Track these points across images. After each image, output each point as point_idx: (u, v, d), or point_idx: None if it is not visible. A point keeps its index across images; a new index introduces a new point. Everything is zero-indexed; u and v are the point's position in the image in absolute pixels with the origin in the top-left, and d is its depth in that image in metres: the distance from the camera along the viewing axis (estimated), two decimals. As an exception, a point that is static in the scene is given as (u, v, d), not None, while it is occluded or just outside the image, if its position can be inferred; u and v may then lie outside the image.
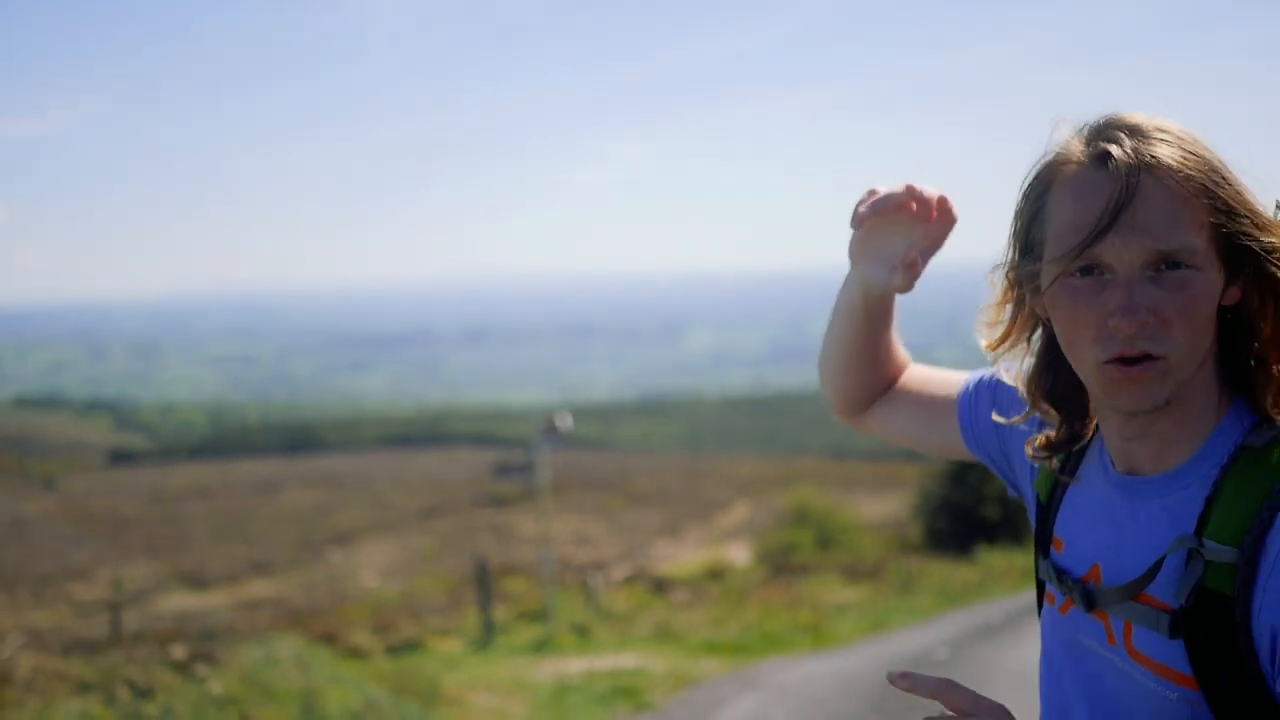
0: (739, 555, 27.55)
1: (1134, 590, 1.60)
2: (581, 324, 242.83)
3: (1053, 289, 1.57)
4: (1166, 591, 1.56)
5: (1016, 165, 1.62)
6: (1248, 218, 1.52)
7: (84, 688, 15.24)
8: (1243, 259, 1.54)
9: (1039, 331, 1.73)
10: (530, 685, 14.94)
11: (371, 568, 29.83)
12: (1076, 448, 1.78)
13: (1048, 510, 1.82)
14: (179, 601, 26.98)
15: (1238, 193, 1.53)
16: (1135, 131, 1.54)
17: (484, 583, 20.06)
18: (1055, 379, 1.73)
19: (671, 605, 22.23)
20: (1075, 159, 1.56)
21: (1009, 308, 1.72)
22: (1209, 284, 1.52)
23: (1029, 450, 1.81)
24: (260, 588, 28.10)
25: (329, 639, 20.24)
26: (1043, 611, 1.80)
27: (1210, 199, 1.51)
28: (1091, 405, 1.72)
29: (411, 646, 19.34)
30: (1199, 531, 1.54)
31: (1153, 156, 1.51)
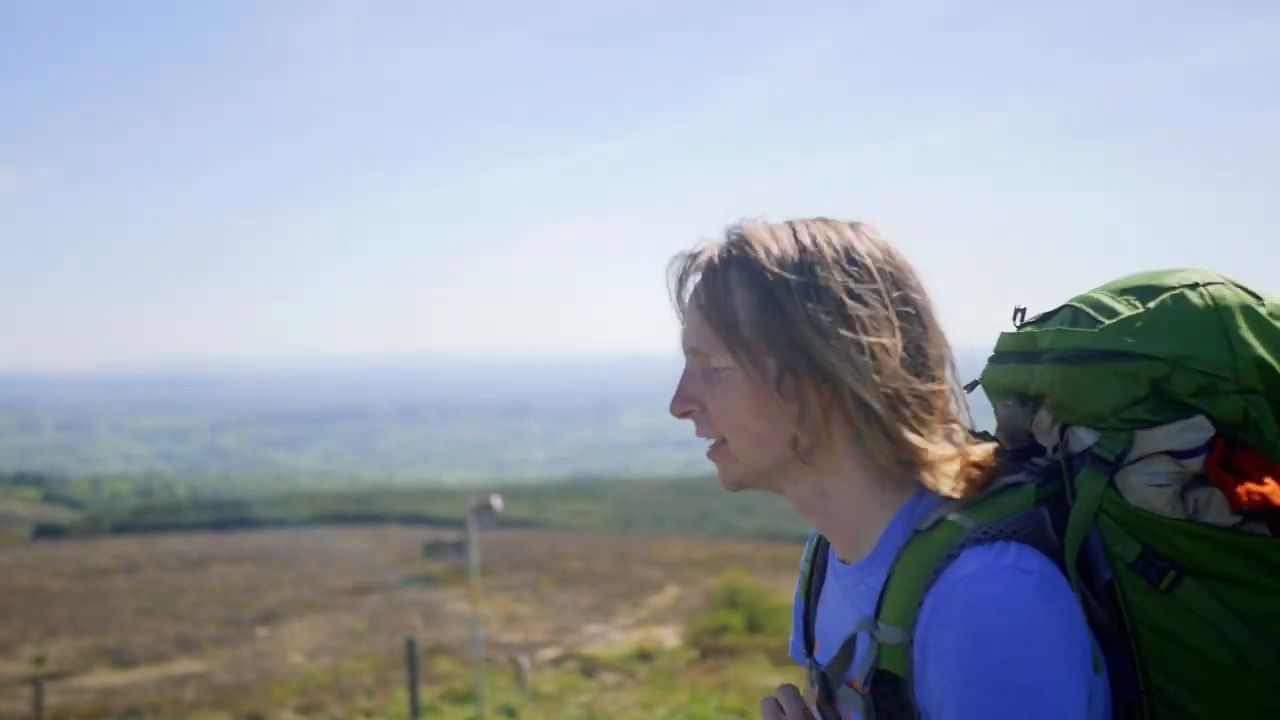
0: (668, 637, 27.56)
1: (839, 674, 1.70)
2: (516, 404, 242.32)
3: None
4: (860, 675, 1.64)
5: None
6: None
7: (5, 765, 15.07)
8: None
9: None
10: (457, 766, 14.92)
11: (299, 646, 29.60)
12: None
13: (807, 613, 1.93)
14: (103, 679, 26.65)
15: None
16: (697, 255, 1.76)
17: (413, 663, 20.00)
18: None
19: (600, 687, 22.21)
20: None
21: None
22: (744, 384, 1.69)
23: None
24: (186, 665, 27.81)
25: (255, 718, 20.12)
26: None
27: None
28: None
29: (338, 726, 19.24)
30: (877, 614, 1.62)
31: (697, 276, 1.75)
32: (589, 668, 24.02)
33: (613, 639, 27.73)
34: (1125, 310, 1.65)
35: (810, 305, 1.64)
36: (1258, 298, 1.64)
